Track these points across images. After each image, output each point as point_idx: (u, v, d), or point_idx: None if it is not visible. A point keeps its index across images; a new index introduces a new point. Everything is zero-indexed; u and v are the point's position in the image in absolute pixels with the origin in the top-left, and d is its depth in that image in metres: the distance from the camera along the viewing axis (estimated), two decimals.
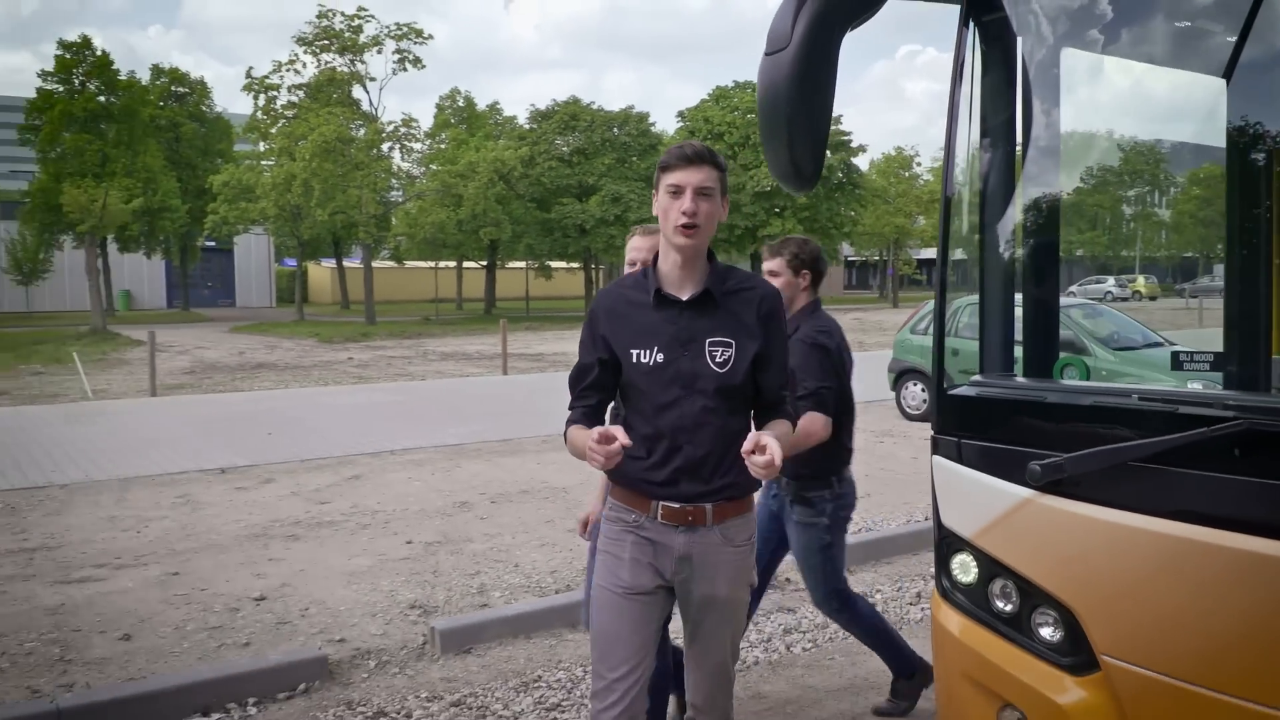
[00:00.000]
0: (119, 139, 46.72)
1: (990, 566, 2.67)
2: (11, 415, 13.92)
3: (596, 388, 2.91)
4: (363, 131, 40.75)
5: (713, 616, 2.93)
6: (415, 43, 42.22)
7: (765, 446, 2.54)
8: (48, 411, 14.38)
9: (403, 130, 42.68)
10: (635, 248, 3.42)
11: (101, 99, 47.24)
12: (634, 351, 2.80)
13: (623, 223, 43.02)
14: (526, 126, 48.45)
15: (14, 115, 59.49)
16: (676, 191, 2.70)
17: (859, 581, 6.16)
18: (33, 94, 48.09)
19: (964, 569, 2.76)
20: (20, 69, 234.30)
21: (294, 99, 42.38)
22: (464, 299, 56.44)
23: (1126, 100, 3.31)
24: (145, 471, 9.63)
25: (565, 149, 46.34)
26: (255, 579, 6.18)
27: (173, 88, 54.73)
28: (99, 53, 47.90)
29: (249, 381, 19.29)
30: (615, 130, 47.35)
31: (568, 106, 47.69)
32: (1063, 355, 3.08)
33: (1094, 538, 2.40)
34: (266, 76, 41.90)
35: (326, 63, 41.37)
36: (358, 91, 43.12)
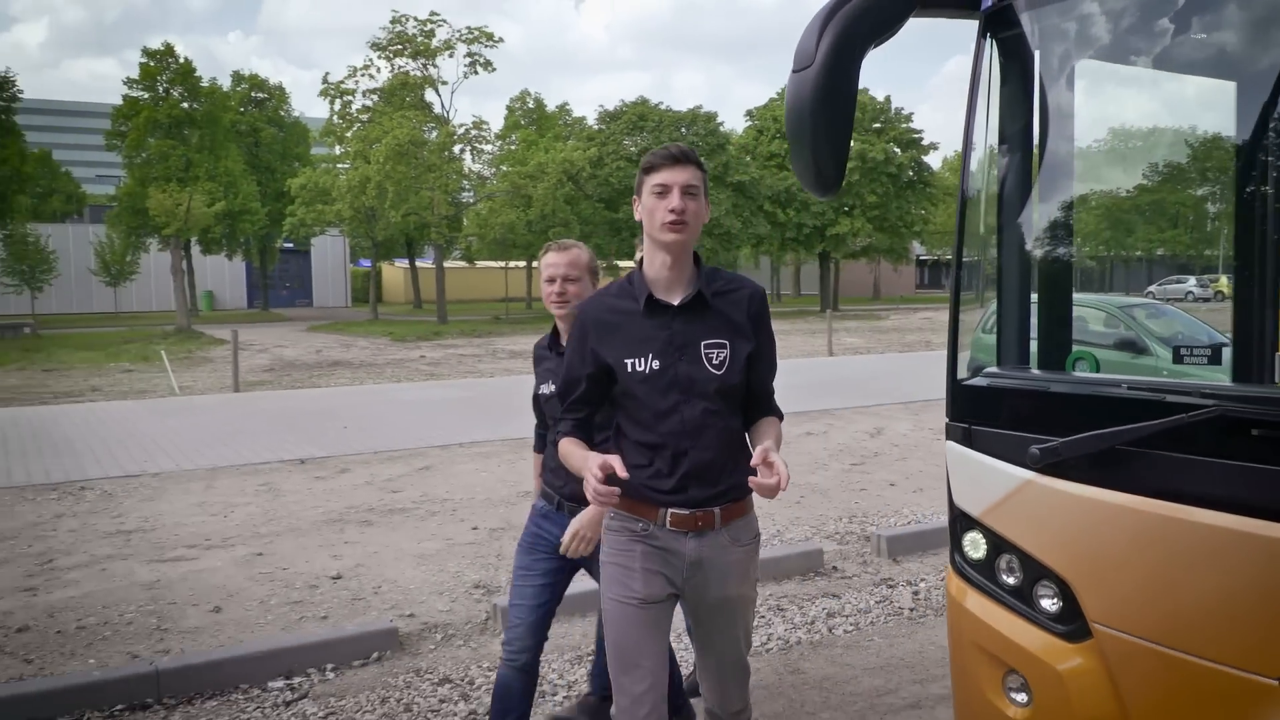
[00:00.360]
0: (202, 144, 48.33)
1: (996, 543, 2.90)
2: (105, 410, 14.69)
3: (585, 401, 2.90)
4: (435, 134, 41.58)
5: (725, 617, 2.95)
6: (486, 46, 42.93)
7: (773, 465, 2.58)
8: (138, 406, 15.13)
9: (473, 132, 43.42)
10: (551, 264, 3.42)
11: (185, 105, 48.89)
12: (628, 361, 2.78)
13: None
14: (595, 127, 48.95)
15: (100, 121, 61.88)
16: (663, 191, 2.72)
17: (904, 571, 6.37)
18: (116, 100, 49.92)
19: (974, 546, 2.99)
20: (105, 75, 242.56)
21: (368, 103, 43.43)
22: (533, 298, 57.21)
23: (1134, 106, 3.49)
24: (230, 462, 10.17)
25: (633, 149, 46.74)
26: (332, 560, 6.60)
27: (252, 93, 56.43)
28: (182, 60, 49.58)
29: (326, 378, 19.97)
30: (683, 130, 47.60)
31: (635, 107, 48.07)
32: (1077, 349, 3.29)
33: (1086, 515, 2.63)
34: (342, 82, 43.02)
35: (399, 67, 42.29)
36: (430, 95, 44.02)
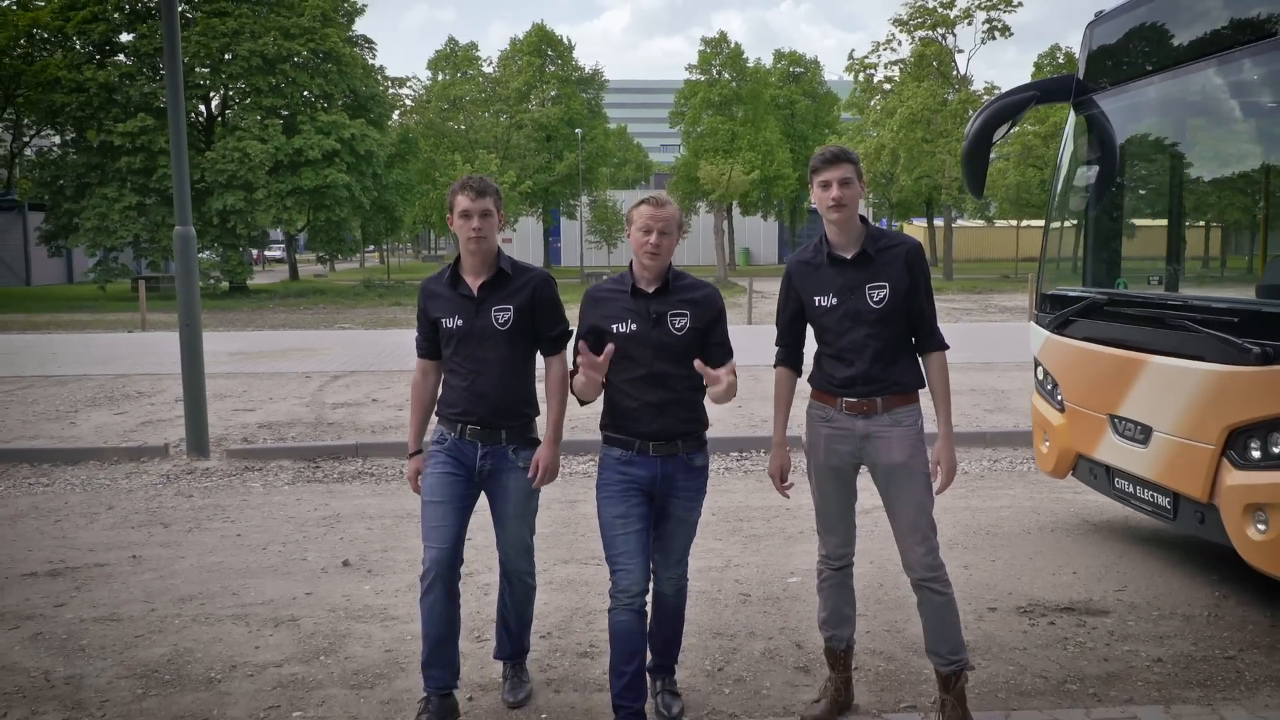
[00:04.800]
0: (745, 119, 55.15)
1: (1042, 368, 5.97)
2: None
3: (792, 331, 3.79)
4: (953, 98, 43.79)
5: (896, 480, 3.58)
6: (1005, 11, 44.08)
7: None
8: None
9: (985, 99, 44.86)
10: (652, 216, 3.54)
11: (733, 85, 55.97)
12: (816, 298, 3.61)
13: None
14: None
15: (666, 96, 71.93)
16: (826, 185, 3.50)
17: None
18: (680, 75, 58.44)
19: (1038, 371, 6.07)
20: (675, 53, 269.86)
21: (890, 74, 46.75)
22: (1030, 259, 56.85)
23: (1156, 151, 6.07)
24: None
25: None
26: None
27: (791, 69, 62.43)
28: (732, 45, 56.74)
29: None
30: None
31: None
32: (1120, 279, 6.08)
33: (1067, 351, 5.67)
34: (865, 57, 46.80)
35: (919, 38, 45.02)
36: (947, 63, 46.18)
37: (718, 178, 43.85)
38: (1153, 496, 4.94)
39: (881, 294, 3.55)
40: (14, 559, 5.82)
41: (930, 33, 44.81)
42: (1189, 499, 4.63)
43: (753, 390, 11.43)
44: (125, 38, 34.03)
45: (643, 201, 3.62)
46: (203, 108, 35.31)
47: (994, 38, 44.26)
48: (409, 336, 3.14)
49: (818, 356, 3.74)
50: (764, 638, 4.57)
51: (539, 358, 3.86)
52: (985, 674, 4.15)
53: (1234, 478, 4.31)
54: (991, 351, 15.81)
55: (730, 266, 50.53)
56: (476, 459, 3.74)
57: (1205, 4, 4.92)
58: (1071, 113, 6.07)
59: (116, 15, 33.10)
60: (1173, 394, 4.67)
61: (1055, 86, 6.10)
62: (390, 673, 4.21)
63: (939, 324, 3.70)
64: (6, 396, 11.69)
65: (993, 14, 44.12)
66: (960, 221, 58.99)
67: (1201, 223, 5.91)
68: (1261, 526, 4.20)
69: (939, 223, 57.50)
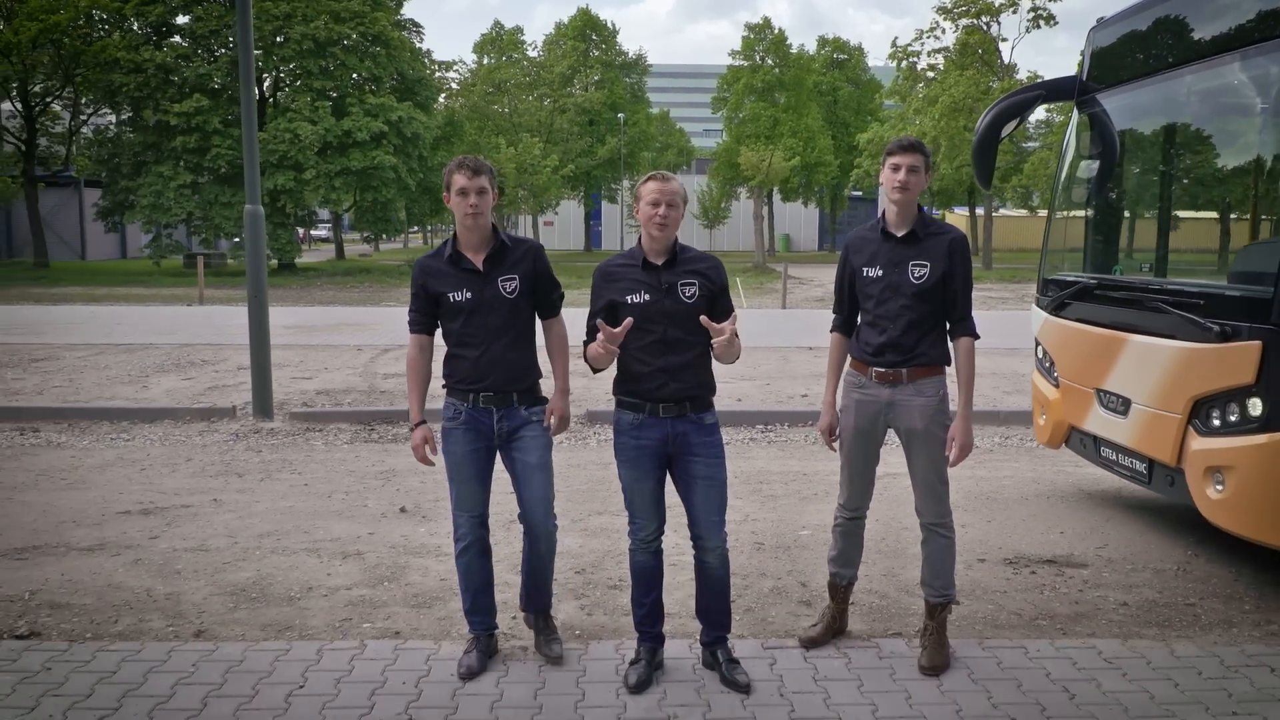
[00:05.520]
0: (788, 105, 55.36)
1: (1041, 347, 6.47)
2: None
3: (845, 301, 4.25)
4: (996, 87, 43.78)
5: (916, 443, 4.06)
6: (1051, 0, 43.92)
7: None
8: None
9: None
10: (660, 190, 3.78)
11: (776, 72, 56.16)
12: (865, 269, 4.07)
13: None
14: None
15: (709, 81, 72.19)
16: (896, 168, 3.93)
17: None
18: (724, 61, 58.62)
19: (1038, 350, 6.56)
20: (720, 36, 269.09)
21: (934, 62, 46.77)
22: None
23: (1151, 148, 6.51)
24: (763, 344, 15.00)
25: None
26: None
27: (834, 55, 62.45)
28: (776, 31, 56.93)
29: None
30: None
31: None
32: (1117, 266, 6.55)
33: (1062, 330, 6.17)
34: (909, 45, 46.82)
35: (963, 26, 44.98)
36: (992, 51, 46.09)
37: (758, 164, 44.21)
38: (1131, 463, 5.44)
39: (923, 272, 3.97)
40: (108, 500, 6.52)
41: (975, 20, 44.76)
42: (1161, 464, 5.14)
43: (781, 369, 11.98)
44: (181, 20, 35.03)
45: (650, 178, 3.85)
46: (257, 89, 36.18)
47: (1039, 26, 44.15)
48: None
49: (859, 327, 4.20)
50: (773, 578, 5.15)
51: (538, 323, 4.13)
52: (967, 611, 4.70)
53: (1197, 443, 4.81)
54: (1019, 338, 16.19)
55: (770, 252, 50.88)
56: (494, 423, 4.01)
57: (1196, 12, 5.38)
58: (1075, 111, 6.54)
59: None
60: (1148, 369, 5.17)
61: (1060, 86, 6.57)
62: (445, 596, 4.84)
63: (973, 313, 4.08)
64: (81, 362, 12.50)
65: (1037, 2, 43.99)
66: (1002, 210, 58.80)
67: (1189, 214, 6.33)
68: (1219, 487, 4.70)
69: (980, 211, 57.57)
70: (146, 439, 8.48)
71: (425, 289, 4.02)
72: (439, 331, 4.10)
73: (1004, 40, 45.79)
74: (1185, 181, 6.10)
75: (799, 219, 68.32)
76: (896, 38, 59.68)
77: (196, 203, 33.25)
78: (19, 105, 37.20)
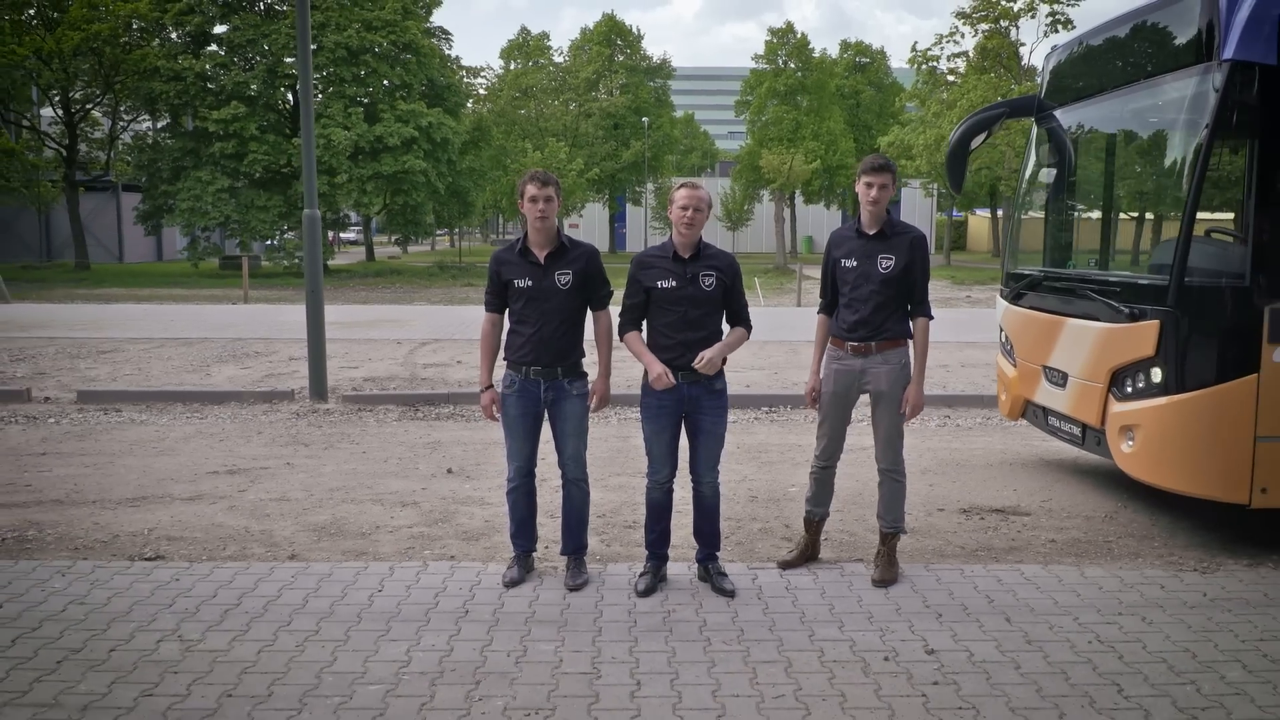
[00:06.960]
0: (810, 108, 56.24)
1: (1003, 332, 7.42)
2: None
3: (829, 288, 5.19)
4: (1015, 91, 44.47)
5: (881, 403, 5.03)
6: (1069, 5, 44.58)
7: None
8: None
9: None
10: (690, 197, 4.69)
11: (799, 75, 57.07)
12: (843, 260, 5.02)
13: None
14: None
15: (734, 84, 73.12)
16: (869, 185, 4.84)
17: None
18: (747, 62, 59.65)
19: (1001, 335, 7.50)
20: (746, 38, 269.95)
21: (953, 66, 47.52)
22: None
23: (1097, 157, 7.44)
24: (779, 338, 15.93)
25: None
26: None
27: (857, 59, 63.27)
28: (799, 35, 57.88)
29: None
30: None
31: None
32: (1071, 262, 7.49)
33: (1018, 316, 7.13)
34: (928, 49, 47.60)
35: (982, 31, 45.71)
36: (1010, 56, 46.78)
37: (779, 166, 45.12)
38: (1069, 428, 6.39)
39: (889, 263, 4.90)
40: (196, 464, 7.60)
41: (994, 25, 45.48)
42: (1090, 427, 6.09)
43: (790, 360, 12.96)
44: (219, 29, 36.36)
45: (682, 185, 4.74)
46: (290, 96, 37.51)
47: (1056, 30, 44.78)
48: (483, 311, 4.42)
49: (838, 308, 5.14)
50: (762, 522, 6.14)
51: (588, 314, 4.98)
52: (919, 545, 5.68)
53: (1115, 408, 5.77)
54: None
55: (793, 254, 51.74)
56: (541, 392, 4.88)
57: (1130, 42, 6.31)
58: (1034, 125, 7.48)
59: (211, 8, 35.41)
60: (1080, 347, 6.13)
61: (1021, 105, 7.53)
62: (489, 533, 5.87)
63: (928, 299, 5.06)
64: (146, 354, 13.65)
65: (1055, 7, 44.65)
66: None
67: (1126, 215, 7.26)
68: (1130, 443, 5.65)
69: (1000, 213, 58.18)
70: (218, 417, 9.56)
71: (499, 275, 4.90)
72: (507, 311, 4.99)
73: (1023, 44, 46.42)
74: (1121, 187, 7.03)
75: (821, 221, 69.04)
76: (916, 42, 60.08)
77: (233, 206, 34.48)
78: (60, 112, 38.72)
